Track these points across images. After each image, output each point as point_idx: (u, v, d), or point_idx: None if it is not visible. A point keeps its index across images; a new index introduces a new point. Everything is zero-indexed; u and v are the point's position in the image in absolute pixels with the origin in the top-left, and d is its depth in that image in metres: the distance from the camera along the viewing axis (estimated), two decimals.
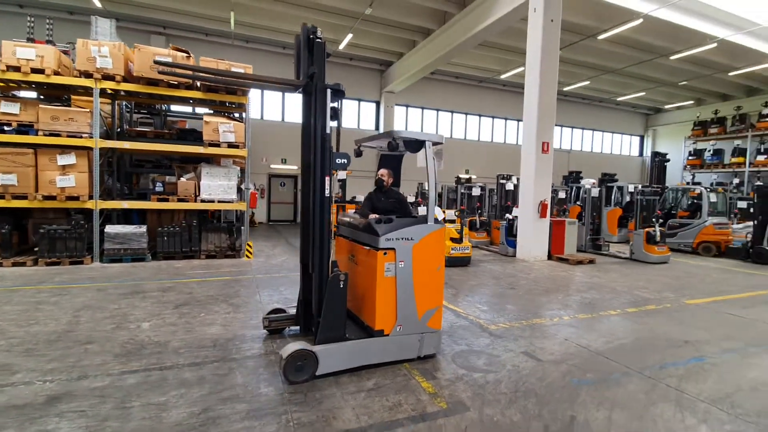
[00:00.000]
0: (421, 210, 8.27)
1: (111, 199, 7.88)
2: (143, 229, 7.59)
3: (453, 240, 8.27)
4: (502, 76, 18.21)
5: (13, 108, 6.91)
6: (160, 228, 7.85)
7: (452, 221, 8.85)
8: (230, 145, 7.94)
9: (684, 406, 2.93)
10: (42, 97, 8.29)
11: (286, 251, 9.60)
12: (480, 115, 20.85)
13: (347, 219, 4.03)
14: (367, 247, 3.43)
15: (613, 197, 13.55)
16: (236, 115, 9.59)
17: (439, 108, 19.90)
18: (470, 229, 11.27)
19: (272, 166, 16.73)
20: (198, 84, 7.78)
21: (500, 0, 10.33)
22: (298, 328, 3.94)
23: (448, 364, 3.52)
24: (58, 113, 7.01)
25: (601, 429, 2.61)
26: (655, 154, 14.90)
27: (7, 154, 6.83)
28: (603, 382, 3.28)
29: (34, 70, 6.79)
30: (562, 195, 12.49)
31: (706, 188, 11.64)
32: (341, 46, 14.68)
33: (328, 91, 3.39)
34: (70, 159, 7.07)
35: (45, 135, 6.92)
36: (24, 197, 6.94)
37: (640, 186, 12.72)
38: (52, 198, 7.05)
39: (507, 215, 10.41)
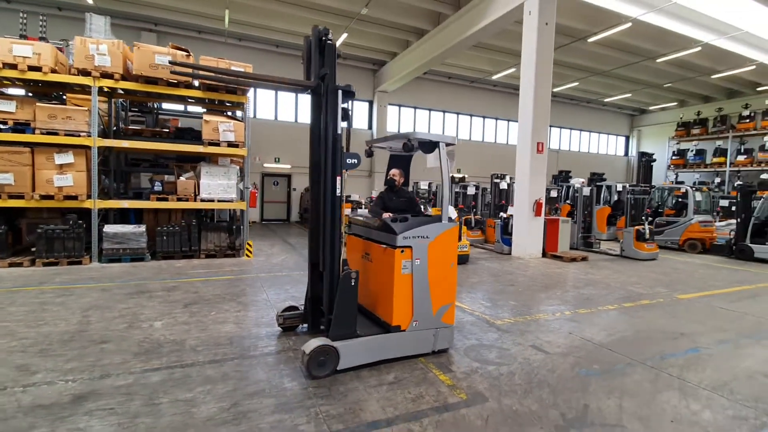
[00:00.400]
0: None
1: (108, 198, 7.80)
2: (142, 228, 7.54)
3: None
4: (494, 77, 18.46)
5: (9, 106, 6.79)
6: (160, 227, 7.80)
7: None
8: (230, 144, 7.93)
9: (687, 393, 3.11)
10: (31, 94, 8.13)
11: (284, 250, 9.62)
12: (471, 115, 21.08)
13: (361, 218, 4.11)
14: (384, 246, 3.52)
15: (602, 196, 13.90)
16: (231, 113, 9.53)
17: (432, 108, 20.06)
18: (465, 228, 11.44)
19: (265, 165, 16.65)
20: (197, 83, 7.76)
21: (495, 2, 10.48)
22: (307, 325, 4.02)
23: (461, 357, 3.65)
24: (55, 111, 6.90)
25: (614, 416, 2.76)
26: (642, 155, 15.36)
27: (3, 153, 6.71)
28: (609, 373, 3.44)
29: (31, 68, 6.69)
30: (554, 194, 12.76)
31: (691, 187, 12.07)
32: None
33: (339, 92, 3.47)
34: (67, 158, 6.98)
35: (42, 133, 6.81)
36: (21, 197, 6.83)
37: (628, 185, 13.12)
38: (50, 197, 6.95)
39: (502, 214, 10.60)
